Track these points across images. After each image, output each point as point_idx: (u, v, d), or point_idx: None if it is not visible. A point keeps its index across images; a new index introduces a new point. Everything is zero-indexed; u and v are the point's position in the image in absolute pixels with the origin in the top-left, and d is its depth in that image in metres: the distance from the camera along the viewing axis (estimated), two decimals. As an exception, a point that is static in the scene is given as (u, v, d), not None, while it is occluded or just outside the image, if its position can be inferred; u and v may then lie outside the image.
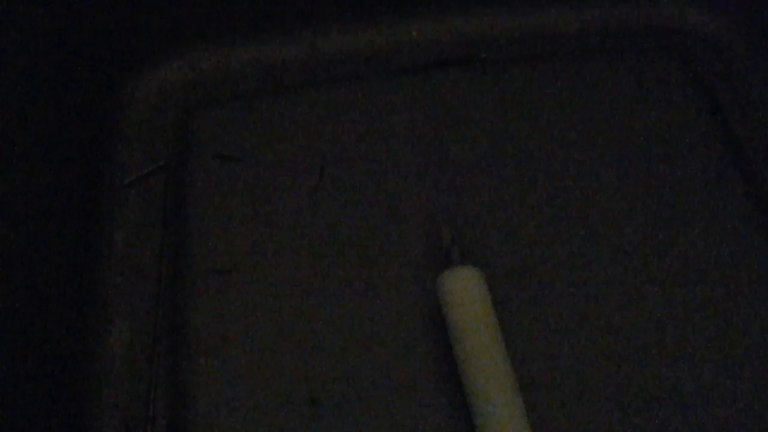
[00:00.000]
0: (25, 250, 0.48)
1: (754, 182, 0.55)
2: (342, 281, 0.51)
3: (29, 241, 0.49)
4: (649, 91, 0.59)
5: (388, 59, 0.64)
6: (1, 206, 0.47)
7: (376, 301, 0.50)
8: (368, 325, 0.49)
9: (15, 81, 0.51)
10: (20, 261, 0.47)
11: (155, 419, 0.48)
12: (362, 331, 0.49)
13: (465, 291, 0.46)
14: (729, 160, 0.55)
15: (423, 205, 0.54)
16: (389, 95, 0.59)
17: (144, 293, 0.53)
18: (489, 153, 0.56)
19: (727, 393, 0.46)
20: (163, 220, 0.56)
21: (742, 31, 0.64)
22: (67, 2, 0.58)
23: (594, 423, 0.46)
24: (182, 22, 0.63)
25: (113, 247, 0.55)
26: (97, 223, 0.56)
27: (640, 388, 0.47)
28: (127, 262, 0.55)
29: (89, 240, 0.55)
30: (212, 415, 0.47)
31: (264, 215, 0.54)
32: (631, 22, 0.65)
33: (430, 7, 0.65)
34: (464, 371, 0.44)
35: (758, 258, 0.51)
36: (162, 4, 0.62)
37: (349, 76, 0.63)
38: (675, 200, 0.54)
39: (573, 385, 0.47)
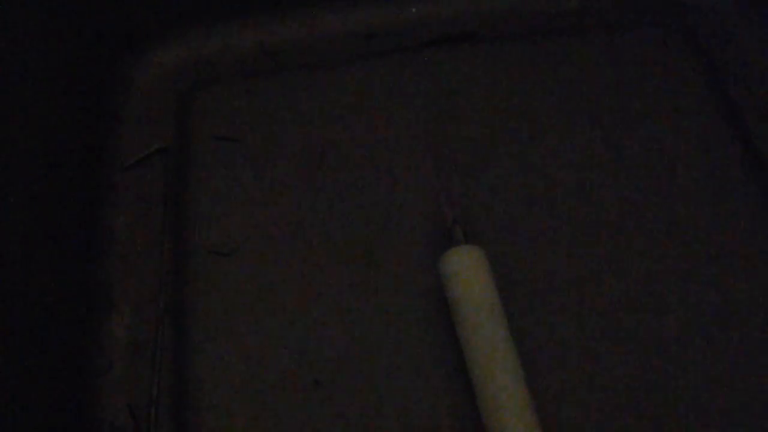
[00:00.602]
0: (25, 234, 0.48)
1: (758, 163, 0.55)
2: (344, 262, 0.51)
3: (29, 226, 0.49)
4: (651, 67, 0.59)
5: (388, 38, 0.63)
6: (2, 193, 0.47)
7: (378, 282, 0.50)
8: (371, 305, 0.49)
9: (13, 63, 0.51)
10: (20, 246, 0.47)
11: (159, 403, 0.49)
12: (365, 312, 0.49)
13: (467, 270, 0.46)
14: (730, 132, 0.55)
15: (424, 184, 0.54)
16: (389, 74, 0.59)
17: (146, 276, 0.53)
18: (490, 131, 0.56)
19: (730, 378, 0.46)
20: (164, 202, 0.56)
21: (744, 4, 0.63)
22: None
23: (597, 402, 0.46)
24: (181, 4, 0.63)
25: (114, 230, 0.55)
26: (98, 207, 0.56)
27: (643, 368, 0.47)
28: (128, 246, 0.54)
29: (90, 223, 0.55)
30: (216, 398, 0.47)
31: (265, 197, 0.54)
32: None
33: (429, -15, 0.64)
34: (467, 351, 0.44)
35: (763, 238, 0.51)
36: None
37: (348, 55, 0.62)
38: (678, 179, 0.53)
39: (576, 365, 0.47)
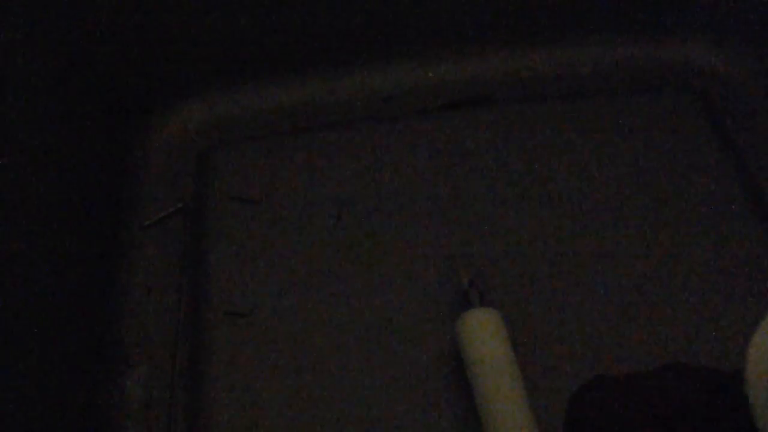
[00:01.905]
0: (44, 292, 0.48)
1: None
2: (360, 323, 0.51)
3: (48, 284, 0.49)
4: (663, 130, 0.59)
5: (405, 100, 0.64)
6: (23, 248, 0.47)
7: (394, 344, 0.50)
8: (386, 367, 0.49)
9: (37, 124, 0.52)
10: (39, 303, 0.48)
11: (174, 464, 0.48)
12: (381, 373, 0.49)
13: (484, 332, 0.46)
14: (743, 194, 0.55)
15: (440, 245, 0.54)
16: (405, 136, 0.60)
17: (162, 335, 0.53)
18: (505, 193, 0.56)
19: None
20: (182, 261, 0.56)
21: (755, 68, 0.64)
22: (87, 46, 0.59)
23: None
24: (200, 65, 0.64)
25: (132, 289, 0.56)
26: (117, 265, 0.56)
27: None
28: (146, 304, 0.55)
29: (107, 282, 0.56)
30: (231, 460, 0.47)
31: (282, 257, 0.54)
32: (644, 60, 0.65)
33: (445, 49, 0.65)
34: (484, 412, 0.44)
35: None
36: (180, 47, 0.62)
37: (365, 117, 0.63)
38: (691, 240, 0.53)
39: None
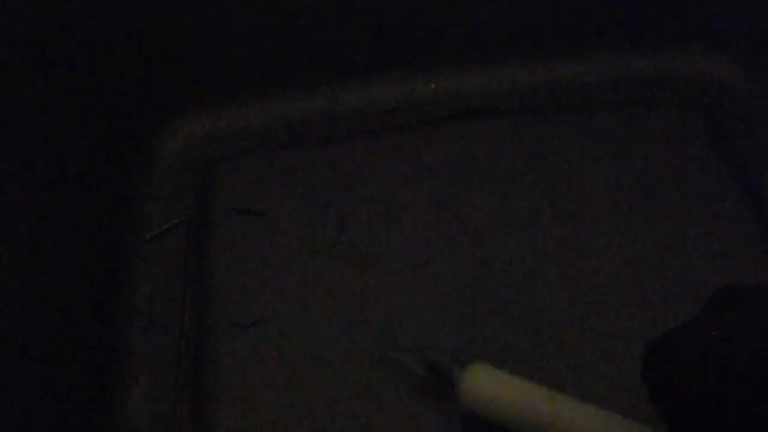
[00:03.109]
0: (47, 306, 0.48)
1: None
2: (364, 335, 0.51)
3: (51, 297, 0.49)
4: (667, 143, 0.59)
5: (408, 112, 0.64)
6: (28, 263, 0.47)
7: (395, 351, 0.50)
8: (391, 379, 0.49)
9: (41, 139, 0.52)
10: (42, 317, 0.47)
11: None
12: (385, 385, 0.49)
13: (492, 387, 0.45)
14: (748, 210, 0.55)
15: (444, 257, 0.54)
16: (409, 148, 0.60)
17: (166, 348, 0.53)
18: (509, 205, 0.56)
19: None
20: (185, 274, 0.56)
21: (759, 83, 0.64)
22: (91, 63, 0.59)
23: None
24: (203, 80, 0.64)
25: (135, 301, 0.55)
26: (120, 278, 0.56)
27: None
28: (150, 317, 0.55)
29: (112, 294, 0.55)
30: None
31: (285, 269, 0.54)
32: (647, 74, 0.65)
33: (450, 60, 0.65)
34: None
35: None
36: (183, 62, 0.62)
37: (368, 129, 0.63)
38: (695, 255, 0.53)
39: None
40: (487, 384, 0.45)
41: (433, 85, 0.65)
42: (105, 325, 0.54)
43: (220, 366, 0.50)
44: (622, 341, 0.50)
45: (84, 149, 0.57)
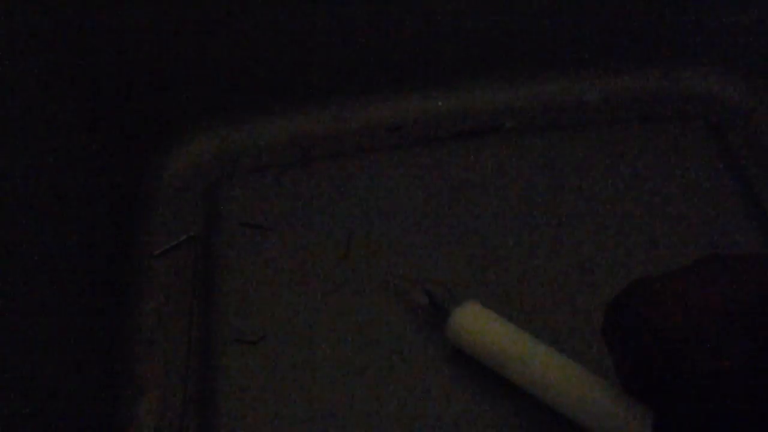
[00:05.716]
0: (56, 320, 0.49)
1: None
2: (370, 351, 0.51)
3: (60, 312, 0.49)
4: (674, 160, 0.59)
5: (414, 130, 0.65)
6: (37, 278, 0.48)
7: (404, 371, 0.50)
8: (397, 393, 0.49)
9: (50, 156, 0.52)
10: (51, 332, 0.48)
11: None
12: (391, 399, 0.49)
13: (486, 324, 0.48)
14: (753, 225, 0.55)
15: (450, 274, 0.54)
16: (414, 165, 0.60)
17: (173, 363, 0.53)
18: (515, 222, 0.56)
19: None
20: (193, 290, 0.56)
21: (767, 99, 0.64)
22: (99, 81, 0.59)
23: None
24: (211, 97, 0.64)
25: (143, 317, 0.56)
26: (128, 294, 0.57)
27: None
28: (157, 333, 0.55)
29: (119, 310, 0.56)
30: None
31: (292, 285, 0.54)
32: (656, 90, 0.66)
33: (455, 78, 0.66)
34: (558, 393, 0.46)
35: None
36: (190, 81, 0.63)
37: (375, 147, 0.63)
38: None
39: None
40: (471, 325, 0.48)
41: (439, 103, 0.66)
42: (113, 340, 0.54)
43: (227, 380, 0.50)
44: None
45: (93, 166, 0.57)
